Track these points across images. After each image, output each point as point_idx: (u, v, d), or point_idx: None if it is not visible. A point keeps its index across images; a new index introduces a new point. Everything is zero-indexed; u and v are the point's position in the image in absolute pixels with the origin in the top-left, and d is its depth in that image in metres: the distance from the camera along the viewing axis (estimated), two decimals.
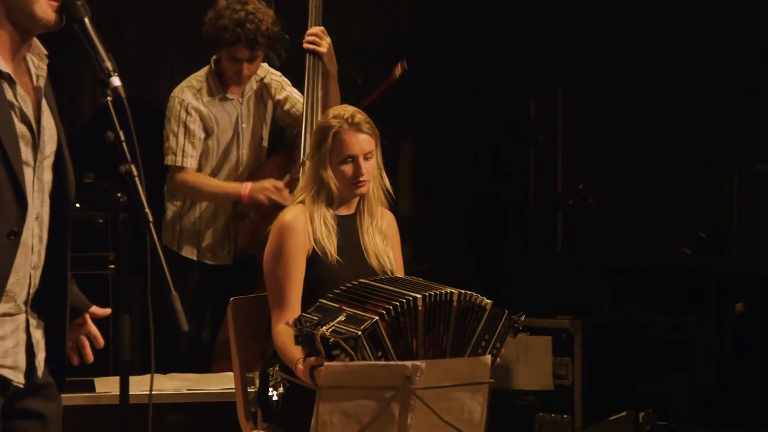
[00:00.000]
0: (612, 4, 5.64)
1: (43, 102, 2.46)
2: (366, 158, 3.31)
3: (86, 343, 2.67)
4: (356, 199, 3.38)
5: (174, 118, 4.24)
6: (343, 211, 3.39)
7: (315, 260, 3.30)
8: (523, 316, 3.21)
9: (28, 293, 2.46)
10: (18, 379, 2.46)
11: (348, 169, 3.31)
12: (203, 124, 4.27)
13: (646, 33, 5.55)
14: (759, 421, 4.70)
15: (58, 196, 2.50)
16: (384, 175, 3.40)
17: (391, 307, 3.02)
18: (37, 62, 2.48)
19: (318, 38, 4.19)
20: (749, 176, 5.23)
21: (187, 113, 4.24)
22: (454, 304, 3.11)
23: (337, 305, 3.09)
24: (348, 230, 3.37)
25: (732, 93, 5.36)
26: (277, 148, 4.49)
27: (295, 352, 3.12)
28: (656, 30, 5.53)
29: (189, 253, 4.33)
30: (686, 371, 4.91)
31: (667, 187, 5.40)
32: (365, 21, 5.57)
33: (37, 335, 2.51)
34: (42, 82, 2.47)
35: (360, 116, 3.33)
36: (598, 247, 5.67)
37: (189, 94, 4.25)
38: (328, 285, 3.20)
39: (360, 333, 2.97)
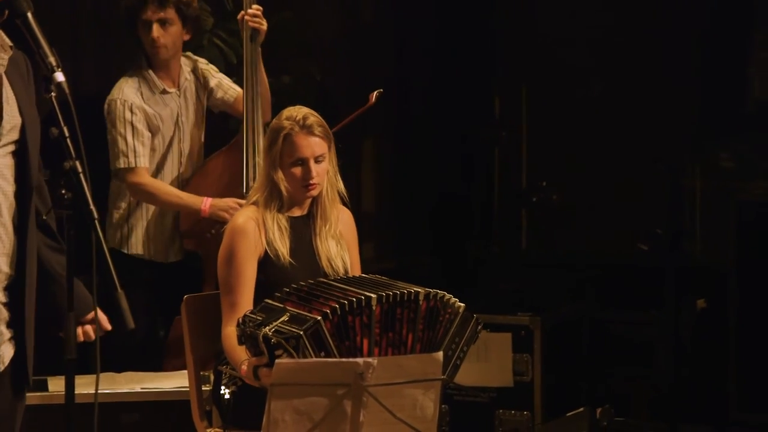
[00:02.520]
0: (573, 3, 5.66)
1: (5, 91, 2.44)
2: (317, 161, 3.30)
3: (87, 328, 2.63)
4: (309, 201, 3.38)
5: (119, 119, 4.18)
6: (296, 212, 3.38)
7: (267, 262, 3.30)
8: (481, 326, 3.24)
9: None
10: None
11: (298, 171, 3.30)
12: (148, 122, 4.24)
13: (607, 30, 5.56)
14: (717, 417, 4.73)
15: (19, 185, 2.47)
16: (338, 177, 3.39)
17: (337, 306, 3.01)
18: None
19: (259, 18, 4.15)
20: (708, 172, 5.26)
21: (132, 112, 4.20)
22: (421, 303, 3.12)
23: (281, 305, 3.08)
24: (300, 232, 3.36)
25: (689, 89, 5.39)
26: (217, 140, 4.46)
27: (241, 354, 3.12)
28: (617, 27, 5.54)
29: (139, 251, 4.30)
30: (646, 367, 4.93)
31: (627, 184, 5.42)
32: (325, 16, 5.55)
33: (3, 326, 2.48)
34: (2, 70, 2.44)
35: (313, 118, 3.32)
36: (561, 244, 5.68)
37: (130, 93, 4.21)
38: (280, 287, 3.19)
39: (302, 333, 2.97)
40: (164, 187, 4.23)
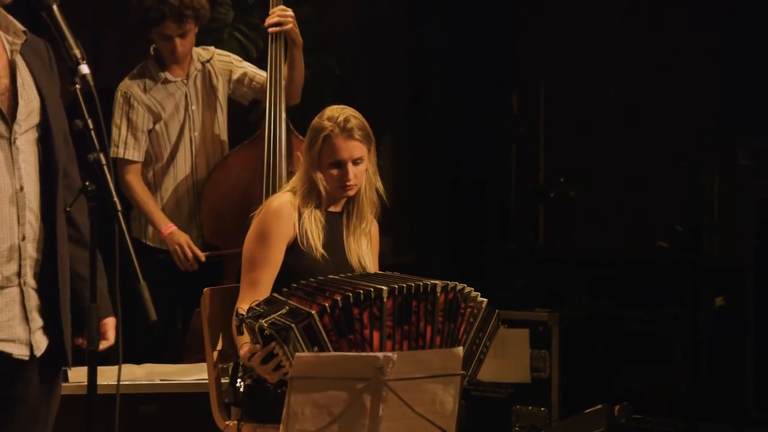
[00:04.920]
0: None
1: (20, 75, 2.44)
2: (355, 163, 3.32)
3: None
4: (345, 198, 3.40)
5: (117, 110, 4.26)
6: (332, 208, 3.41)
7: (298, 251, 3.32)
8: (499, 318, 3.25)
9: (20, 265, 2.45)
10: (19, 351, 2.45)
11: (335, 172, 3.33)
12: (149, 112, 4.27)
13: (627, 27, 5.55)
14: (735, 415, 4.71)
15: (45, 170, 2.48)
16: (377, 177, 3.42)
17: (339, 299, 3.02)
18: (12, 39, 2.47)
19: (283, 18, 4.18)
20: (728, 170, 5.24)
21: (130, 106, 4.25)
22: (439, 295, 3.12)
23: (284, 299, 3.10)
24: (334, 227, 3.40)
25: (710, 87, 5.37)
26: (239, 134, 4.48)
27: (246, 336, 3.15)
28: (637, 23, 5.53)
29: (157, 242, 4.32)
30: (663, 365, 4.92)
31: (646, 181, 5.41)
32: (343, 11, 5.55)
33: (35, 313, 2.49)
34: (16, 56, 2.45)
35: (354, 121, 3.34)
36: (579, 241, 5.67)
37: (132, 84, 4.27)
38: (308, 276, 3.21)
39: (293, 325, 2.98)
40: (145, 194, 4.27)
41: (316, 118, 3.40)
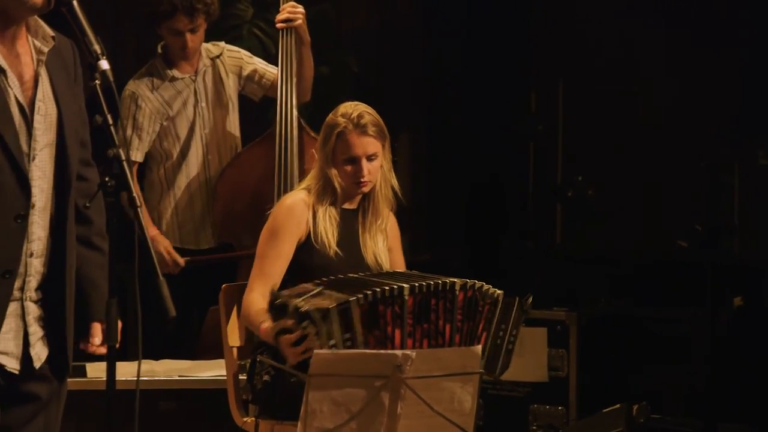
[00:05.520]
0: None
1: (40, 86, 2.45)
2: (369, 159, 3.33)
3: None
4: (360, 195, 3.39)
5: (123, 110, 4.22)
6: (347, 206, 3.41)
7: (311, 248, 3.33)
8: (531, 298, 3.25)
9: (24, 281, 2.45)
10: (11, 364, 2.45)
11: (350, 168, 3.33)
12: (156, 112, 4.26)
13: (647, 24, 5.53)
14: (754, 415, 4.69)
15: (58, 183, 2.48)
16: (392, 173, 3.42)
17: (370, 293, 3.03)
18: (39, 45, 2.46)
19: (293, 14, 4.17)
20: (748, 169, 5.21)
21: (137, 106, 4.24)
22: (458, 293, 3.12)
23: (317, 288, 3.11)
24: (349, 225, 3.40)
25: (730, 86, 5.34)
26: (255, 131, 4.47)
27: (255, 313, 3.18)
28: (656, 21, 5.50)
29: (173, 240, 4.32)
30: (682, 365, 4.90)
31: (665, 180, 5.39)
32: (361, 9, 5.55)
33: (36, 326, 2.49)
34: (41, 66, 2.45)
35: (368, 117, 3.34)
36: (596, 240, 5.65)
37: (140, 84, 4.26)
38: (321, 274, 3.23)
39: (331, 307, 2.99)
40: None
41: (330, 115, 3.40)
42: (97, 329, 2.61)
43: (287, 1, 4.23)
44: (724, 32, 5.33)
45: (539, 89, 5.92)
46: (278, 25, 4.22)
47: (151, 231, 4.23)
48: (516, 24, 5.81)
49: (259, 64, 4.41)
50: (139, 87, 4.26)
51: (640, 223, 5.48)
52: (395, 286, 3.06)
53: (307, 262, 3.32)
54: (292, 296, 3.08)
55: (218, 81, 4.36)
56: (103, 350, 2.60)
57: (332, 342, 3.01)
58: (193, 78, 4.32)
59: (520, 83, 5.88)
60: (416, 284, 3.09)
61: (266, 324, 3.15)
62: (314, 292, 3.09)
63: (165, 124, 4.29)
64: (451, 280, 3.15)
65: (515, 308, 3.21)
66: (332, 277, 3.18)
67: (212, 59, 4.36)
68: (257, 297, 3.25)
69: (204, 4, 4.18)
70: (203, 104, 4.33)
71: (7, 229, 2.40)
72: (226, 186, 4.30)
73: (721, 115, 5.33)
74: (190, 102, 4.32)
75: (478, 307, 3.17)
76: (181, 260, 4.26)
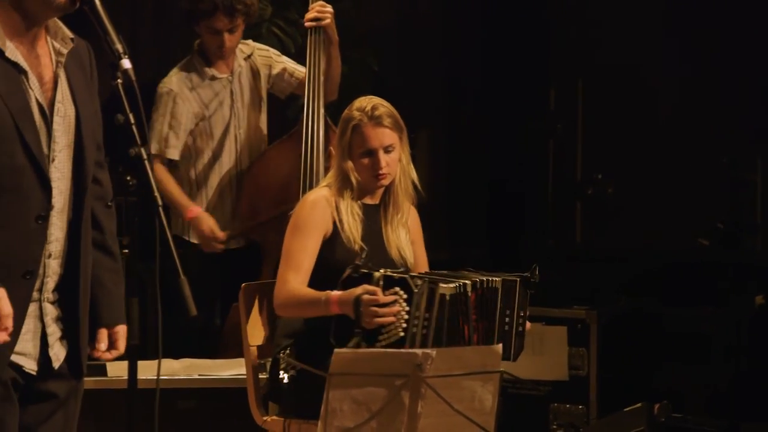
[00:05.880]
0: None
1: (59, 88, 2.45)
2: (387, 151, 3.33)
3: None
4: (381, 190, 3.39)
5: (161, 108, 4.24)
6: (368, 201, 3.42)
7: (337, 243, 3.33)
8: (537, 269, 3.25)
9: (42, 282, 2.45)
10: (29, 365, 2.45)
11: (367, 161, 3.33)
12: (192, 110, 4.26)
13: (666, 22, 5.50)
14: None
15: (76, 184, 2.49)
16: (411, 166, 3.43)
17: (454, 283, 3.12)
18: (59, 47, 2.47)
19: (321, 14, 4.18)
20: None
21: (174, 103, 4.24)
22: (470, 294, 3.15)
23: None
24: (372, 220, 3.41)
25: (752, 83, 5.32)
26: (277, 129, 4.47)
27: (311, 292, 3.21)
28: (676, 18, 5.48)
29: (195, 239, 4.32)
30: (703, 364, 4.88)
31: (685, 178, 5.36)
32: (381, 8, 5.55)
33: (54, 326, 2.50)
34: (60, 68, 2.46)
35: (382, 109, 3.35)
36: (616, 238, 5.63)
37: (177, 81, 4.26)
38: (345, 268, 3.23)
39: (425, 280, 3.09)
40: (169, 183, 4.23)
41: (346, 110, 3.42)
42: (103, 335, 2.59)
43: (316, 0, 4.23)
44: (744, 29, 5.30)
45: (558, 87, 5.91)
46: (307, 24, 4.22)
47: (193, 210, 4.21)
48: (535, 22, 5.80)
49: (288, 62, 4.41)
50: (176, 84, 4.25)
51: (661, 221, 5.46)
52: (461, 282, 3.14)
53: (332, 257, 3.32)
54: (374, 268, 3.14)
55: (252, 81, 4.36)
56: (109, 356, 2.59)
57: (416, 314, 3.07)
58: (230, 79, 4.32)
59: (539, 81, 5.87)
60: (477, 280, 3.17)
61: (336, 292, 3.15)
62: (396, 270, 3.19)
63: (201, 124, 4.29)
64: (464, 280, 3.17)
65: (517, 288, 3.22)
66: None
67: (245, 59, 4.36)
68: (298, 285, 3.26)
69: (244, 5, 4.18)
70: (239, 105, 4.34)
71: (28, 229, 2.40)
72: (252, 182, 4.31)
73: (742, 112, 5.31)
74: (227, 103, 4.31)
75: (490, 301, 3.22)
76: (222, 234, 4.21)
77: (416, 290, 3.07)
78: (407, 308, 3.09)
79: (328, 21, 4.21)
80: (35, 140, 2.39)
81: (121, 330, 2.60)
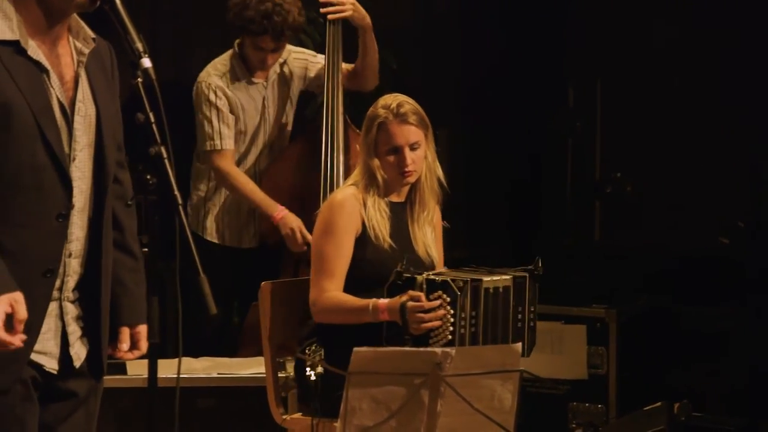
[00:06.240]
0: None
1: (80, 87, 2.46)
2: (412, 148, 3.33)
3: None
4: (407, 188, 3.39)
5: (204, 102, 4.21)
6: (394, 198, 3.41)
7: (366, 242, 3.34)
8: (540, 261, 3.30)
9: (63, 281, 2.46)
10: (50, 364, 2.46)
11: (393, 159, 3.33)
12: (230, 104, 4.24)
13: (685, 20, 5.48)
14: None
15: (96, 184, 2.49)
16: (437, 163, 3.43)
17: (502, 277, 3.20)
18: (80, 46, 2.47)
19: (340, 3, 4.14)
20: None
21: (216, 95, 4.21)
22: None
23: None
24: (399, 217, 3.41)
25: None
26: (295, 127, 4.46)
27: (356, 300, 3.22)
28: (695, 15, 5.46)
29: (214, 237, 4.33)
30: (722, 362, 4.86)
31: (705, 176, 5.34)
32: (400, 7, 5.54)
33: (74, 325, 2.50)
34: (81, 68, 2.46)
35: (408, 106, 3.35)
36: (636, 236, 5.62)
37: (215, 77, 4.23)
38: (377, 267, 3.28)
39: (469, 280, 3.11)
40: (248, 184, 4.22)
41: (371, 108, 3.42)
42: (125, 335, 2.59)
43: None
44: (763, 25, 5.28)
45: (577, 85, 5.89)
46: (329, 16, 4.17)
47: (278, 213, 4.17)
48: (553, 20, 5.78)
49: (323, 61, 4.35)
50: (217, 81, 4.21)
51: (681, 219, 5.43)
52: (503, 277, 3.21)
53: (362, 256, 3.32)
54: (415, 272, 3.16)
55: (285, 88, 4.33)
56: (131, 356, 2.59)
57: (462, 315, 3.06)
58: (265, 85, 4.29)
59: (558, 79, 5.85)
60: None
61: (383, 300, 3.17)
62: (435, 271, 3.21)
63: (235, 126, 4.27)
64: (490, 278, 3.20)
65: (527, 285, 3.23)
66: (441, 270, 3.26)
67: (280, 65, 4.33)
68: (336, 293, 3.27)
69: (293, 30, 4.16)
70: (270, 110, 4.31)
71: (49, 228, 2.41)
72: (272, 180, 4.30)
73: (763, 110, 5.28)
74: (258, 109, 4.29)
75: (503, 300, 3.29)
76: (309, 235, 4.17)
77: (459, 293, 3.08)
78: (452, 311, 3.10)
79: (350, 12, 4.17)
80: (56, 139, 2.40)
81: (143, 330, 2.60)
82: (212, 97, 4.20)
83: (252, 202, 4.24)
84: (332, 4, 4.17)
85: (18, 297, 2.31)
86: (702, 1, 5.43)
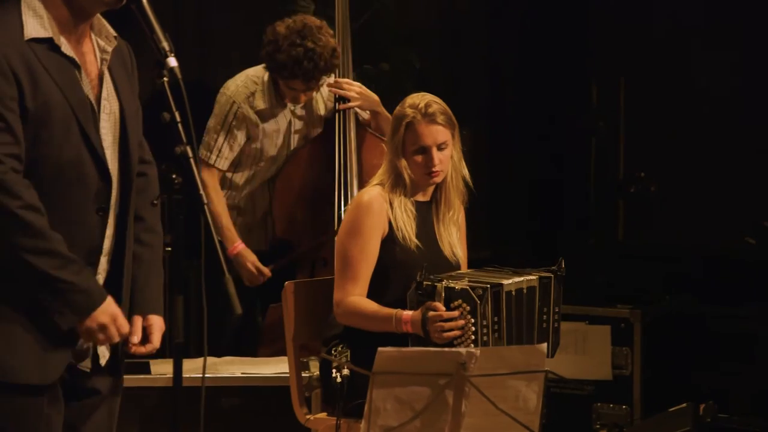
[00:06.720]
0: None
1: (105, 85, 2.46)
2: (440, 148, 3.31)
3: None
4: (432, 187, 3.38)
5: (222, 116, 4.16)
6: (420, 198, 3.40)
7: (393, 242, 3.32)
8: (563, 262, 3.29)
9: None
10: (84, 363, 2.47)
11: (420, 159, 3.32)
12: (248, 130, 4.19)
13: (709, 17, 5.45)
14: None
15: (121, 182, 2.49)
16: (463, 164, 3.41)
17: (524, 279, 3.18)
18: (103, 44, 2.48)
19: (342, 87, 4.13)
20: None
21: (235, 117, 4.15)
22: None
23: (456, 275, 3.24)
24: (424, 217, 3.40)
25: None
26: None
27: (380, 309, 3.21)
28: (720, 14, 5.43)
29: (241, 274, 4.28)
30: (748, 363, 4.83)
31: (730, 175, 5.31)
32: (423, 6, 5.53)
33: None
34: (105, 66, 2.47)
35: (435, 106, 3.33)
36: (660, 236, 5.59)
37: (242, 97, 4.15)
38: (404, 268, 3.26)
39: (489, 286, 3.09)
40: (218, 206, 4.17)
41: (398, 107, 3.39)
42: (137, 325, 2.53)
43: (335, 73, 4.14)
44: None
45: (600, 84, 5.87)
46: (338, 106, 4.14)
47: (237, 246, 4.17)
48: (576, 18, 5.76)
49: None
50: (241, 96, 4.15)
51: (705, 219, 5.40)
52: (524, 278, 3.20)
53: (389, 256, 3.31)
54: (435, 280, 3.15)
55: (313, 113, 4.28)
56: (143, 350, 2.55)
57: (484, 322, 3.08)
58: (293, 110, 4.24)
59: (581, 78, 5.83)
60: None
61: (407, 312, 3.17)
62: (457, 275, 3.19)
63: (253, 145, 4.23)
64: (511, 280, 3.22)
65: (552, 286, 3.22)
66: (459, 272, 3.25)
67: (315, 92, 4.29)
68: (360, 298, 3.26)
69: (324, 72, 4.09)
70: (295, 135, 4.28)
71: (92, 222, 2.42)
72: (285, 183, 4.28)
73: None
74: (282, 132, 4.25)
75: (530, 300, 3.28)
76: (267, 270, 4.18)
77: (479, 301, 3.07)
78: (472, 319, 3.09)
79: (357, 103, 4.14)
80: (94, 132, 2.41)
81: (157, 322, 2.57)
82: (230, 117, 4.16)
83: (216, 226, 4.19)
84: (343, 99, 4.15)
85: (115, 311, 2.37)
86: None
